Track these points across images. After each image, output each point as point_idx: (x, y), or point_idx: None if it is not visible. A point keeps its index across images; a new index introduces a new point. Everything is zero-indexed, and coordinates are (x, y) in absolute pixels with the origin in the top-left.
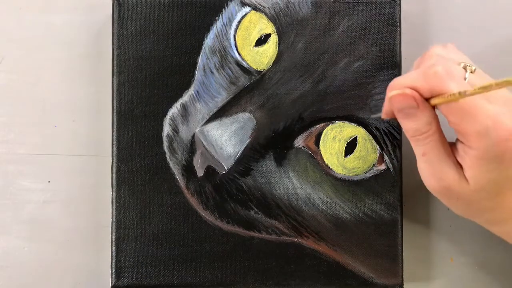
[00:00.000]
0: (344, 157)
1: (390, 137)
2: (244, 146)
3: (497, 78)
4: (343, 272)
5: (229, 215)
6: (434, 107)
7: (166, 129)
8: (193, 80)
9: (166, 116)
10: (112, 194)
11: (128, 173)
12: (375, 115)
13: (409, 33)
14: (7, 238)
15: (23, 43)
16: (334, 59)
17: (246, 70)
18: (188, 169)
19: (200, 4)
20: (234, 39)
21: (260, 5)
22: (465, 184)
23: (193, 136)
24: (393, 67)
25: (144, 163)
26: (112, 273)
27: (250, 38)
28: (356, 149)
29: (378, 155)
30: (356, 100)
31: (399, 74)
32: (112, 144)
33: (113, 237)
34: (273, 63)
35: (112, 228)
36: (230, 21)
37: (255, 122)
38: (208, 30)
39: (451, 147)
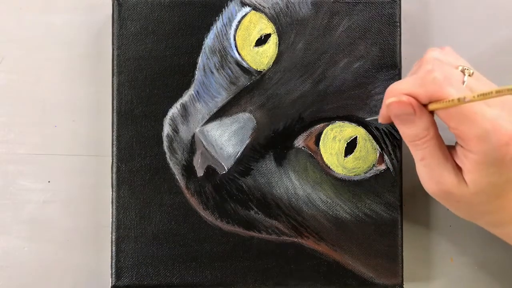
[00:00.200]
0: (344, 157)
1: (390, 137)
2: (244, 146)
3: (496, 79)
4: (343, 272)
5: (229, 215)
6: (432, 112)
7: (166, 129)
8: (193, 80)
9: (166, 116)
10: (112, 194)
11: (128, 173)
12: (371, 118)
13: (409, 33)
14: (7, 238)
15: (23, 43)
16: (334, 59)
17: (246, 70)
18: (188, 169)
19: (200, 4)
20: (234, 39)
21: (260, 5)
22: (464, 188)
23: (193, 136)
24: (393, 67)
25: (144, 163)
26: (112, 273)
27: (250, 38)
28: (356, 149)
29: (378, 155)
30: (356, 100)
31: (399, 74)
32: (112, 144)
33: (113, 237)
34: (273, 63)
35: (112, 228)
36: (230, 21)
37: (255, 122)
38: (208, 30)
39: (451, 151)
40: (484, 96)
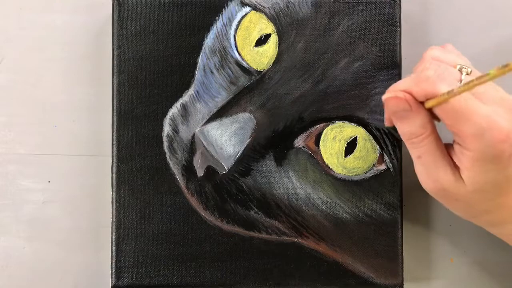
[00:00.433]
0: (344, 157)
1: (390, 137)
2: (244, 146)
3: (496, 78)
4: (343, 272)
5: (229, 215)
6: (430, 111)
7: (166, 129)
8: (193, 80)
9: (166, 116)
10: (112, 194)
11: (128, 173)
12: (374, 121)
13: (409, 33)
14: (7, 238)
15: (23, 43)
16: (334, 59)
17: (246, 70)
18: (188, 169)
19: (200, 4)
20: (234, 39)
21: (260, 5)
22: (462, 186)
23: (193, 136)
24: (393, 67)
25: (144, 163)
26: (112, 273)
27: (250, 38)
28: (356, 149)
29: (378, 155)
30: (356, 100)
31: (399, 74)
32: (112, 144)
33: (113, 237)
34: (273, 63)
35: (112, 228)
36: (230, 21)
37: (255, 122)
38: (208, 30)
39: (449, 149)
40: (468, 85)
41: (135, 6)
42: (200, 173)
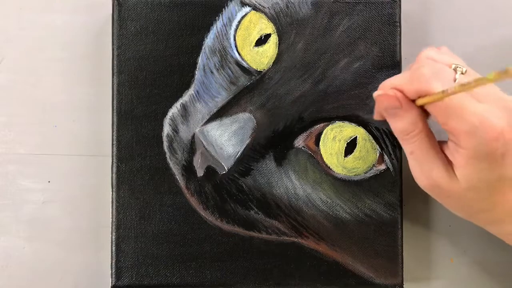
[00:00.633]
0: (344, 157)
1: (390, 137)
2: (244, 146)
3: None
4: (343, 272)
5: (229, 215)
6: (421, 107)
7: (166, 129)
8: (193, 80)
9: (166, 116)
10: (112, 194)
11: (128, 173)
12: (368, 115)
13: (409, 33)
14: (7, 238)
15: (23, 43)
16: (334, 59)
17: (246, 70)
18: (188, 169)
19: (200, 4)
20: (234, 39)
21: (260, 5)
22: (455, 183)
23: (193, 136)
24: (393, 67)
25: (144, 163)
26: (112, 273)
27: (250, 38)
28: (356, 149)
29: (378, 155)
30: (356, 100)
31: (399, 74)
32: (112, 144)
33: (113, 237)
34: (273, 63)
35: (112, 228)
36: (230, 21)
37: (255, 122)
38: (208, 30)
39: (443, 146)
40: (465, 86)
41: (135, 6)
42: (200, 173)
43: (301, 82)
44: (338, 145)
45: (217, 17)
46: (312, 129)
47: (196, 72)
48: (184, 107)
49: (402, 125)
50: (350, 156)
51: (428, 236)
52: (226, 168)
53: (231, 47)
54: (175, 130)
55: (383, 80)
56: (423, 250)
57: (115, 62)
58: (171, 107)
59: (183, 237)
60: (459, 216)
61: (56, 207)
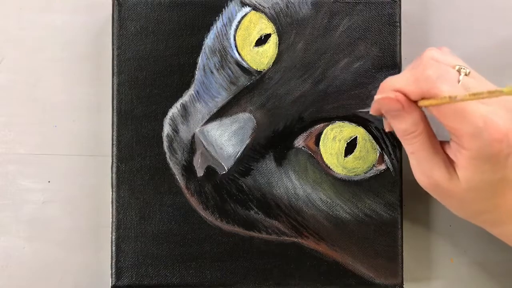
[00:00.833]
0: (344, 157)
1: (390, 137)
2: (244, 146)
3: (496, 79)
4: (343, 272)
5: (229, 215)
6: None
7: (166, 129)
8: (193, 80)
9: (166, 116)
10: (112, 194)
11: (128, 173)
12: (363, 110)
13: (409, 33)
14: (7, 238)
15: (23, 43)
16: (334, 59)
17: (246, 70)
18: (188, 169)
19: (200, 4)
20: (234, 39)
21: (260, 5)
22: (457, 183)
23: (193, 136)
24: (393, 67)
25: (144, 163)
26: (112, 273)
27: (250, 38)
28: (356, 149)
29: (378, 155)
30: (356, 100)
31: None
32: (112, 144)
33: (113, 237)
34: (273, 63)
35: (112, 228)
36: (230, 21)
37: (255, 122)
38: (208, 30)
39: (445, 146)
40: (476, 96)
41: (135, 6)
42: (200, 173)
43: (301, 82)
44: (338, 145)
45: (217, 17)
46: (312, 129)
47: (196, 72)
48: (184, 107)
49: (403, 126)
50: (350, 156)
51: (428, 236)
52: (226, 168)
53: (231, 47)
54: (175, 130)
55: (383, 80)
56: (423, 250)
57: (115, 62)
58: (171, 107)
59: (183, 237)
60: (459, 216)
61: (56, 207)
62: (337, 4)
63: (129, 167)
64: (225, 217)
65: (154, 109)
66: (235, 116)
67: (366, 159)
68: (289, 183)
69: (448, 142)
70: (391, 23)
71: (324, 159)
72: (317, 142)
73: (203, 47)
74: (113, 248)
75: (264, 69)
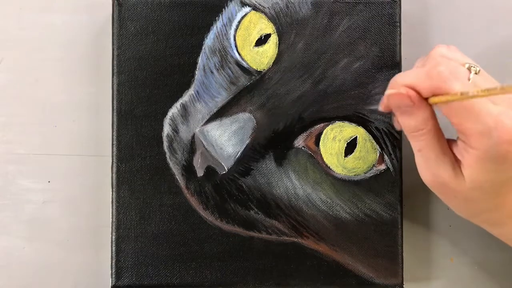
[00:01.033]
0: (344, 157)
1: (390, 137)
2: (244, 146)
3: (497, 79)
4: (343, 272)
5: (229, 215)
6: (432, 105)
7: (166, 129)
8: (193, 80)
9: (166, 116)
10: (112, 194)
11: (128, 173)
12: (370, 107)
13: (409, 33)
14: (7, 238)
15: (23, 43)
16: (334, 59)
17: (246, 70)
18: (188, 169)
19: (200, 4)
20: (234, 39)
21: (260, 5)
22: (462, 182)
23: (193, 136)
24: (393, 67)
25: (144, 163)
26: (112, 273)
27: (250, 38)
28: (356, 149)
29: (378, 155)
30: (356, 100)
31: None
32: (112, 144)
33: (113, 237)
34: (273, 63)
35: (112, 228)
36: (230, 21)
37: (255, 122)
38: (208, 30)
39: (452, 144)
40: (488, 92)
41: (135, 6)
42: (200, 173)
43: (301, 82)
44: (338, 145)
45: (217, 17)
46: (312, 129)
47: (196, 72)
48: (184, 107)
49: (413, 123)
50: (350, 156)
51: (428, 236)
52: (226, 168)
53: (231, 47)
54: (175, 130)
55: (383, 80)
56: (423, 250)
57: (115, 62)
58: (171, 107)
59: (183, 237)
60: (460, 216)
61: (56, 207)
62: (337, 4)
63: (129, 167)
64: (225, 217)
65: (154, 109)
66: (235, 116)
67: (366, 159)
68: (289, 183)
69: (454, 140)
70: (391, 23)
71: (324, 159)
72: (317, 142)
73: (203, 47)
74: (113, 248)
75: (264, 69)
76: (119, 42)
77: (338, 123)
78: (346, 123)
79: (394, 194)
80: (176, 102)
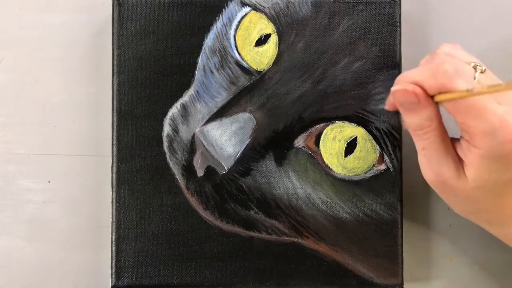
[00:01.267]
0: (344, 157)
1: (390, 137)
2: (244, 146)
3: (498, 79)
4: (343, 272)
5: (229, 215)
6: (437, 104)
7: (166, 129)
8: (193, 80)
9: (166, 116)
10: (112, 194)
11: (128, 173)
12: (376, 107)
13: (409, 33)
14: (7, 238)
15: (23, 43)
16: (334, 59)
17: (246, 70)
18: (188, 169)
19: (200, 4)
20: (234, 39)
21: (260, 5)
22: (464, 181)
23: (193, 136)
24: (393, 67)
25: (144, 163)
26: (112, 273)
27: (250, 38)
28: (356, 149)
29: (378, 155)
30: (356, 100)
31: (399, 74)
32: (112, 144)
33: (113, 237)
34: (273, 63)
35: (112, 228)
36: (230, 21)
37: (255, 122)
38: (208, 30)
39: (455, 143)
40: (494, 88)
41: (135, 6)
42: (200, 173)
43: (301, 82)
44: (338, 145)
45: (217, 17)
46: (312, 129)
47: (196, 72)
48: (184, 107)
49: (418, 121)
50: (350, 156)
51: (428, 236)
52: (226, 168)
53: (231, 47)
54: (175, 130)
55: (383, 80)
56: (423, 250)
57: (115, 62)
58: (171, 107)
59: (183, 237)
60: (460, 216)
61: (56, 207)
62: (337, 4)
63: (129, 167)
64: (225, 217)
65: (154, 109)
66: (235, 116)
67: (366, 159)
68: (289, 183)
69: (458, 139)
70: (391, 23)
71: (324, 159)
72: (317, 142)
73: (203, 47)
74: (113, 248)
75: (264, 69)
76: (119, 42)
77: (338, 123)
78: (346, 123)
79: (394, 194)
80: (176, 102)
